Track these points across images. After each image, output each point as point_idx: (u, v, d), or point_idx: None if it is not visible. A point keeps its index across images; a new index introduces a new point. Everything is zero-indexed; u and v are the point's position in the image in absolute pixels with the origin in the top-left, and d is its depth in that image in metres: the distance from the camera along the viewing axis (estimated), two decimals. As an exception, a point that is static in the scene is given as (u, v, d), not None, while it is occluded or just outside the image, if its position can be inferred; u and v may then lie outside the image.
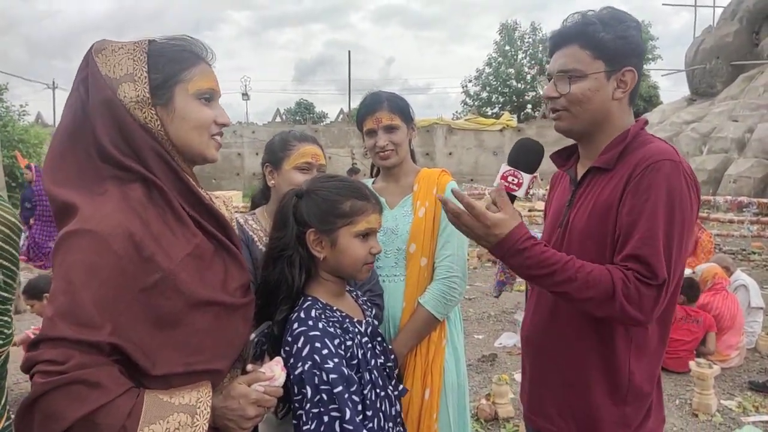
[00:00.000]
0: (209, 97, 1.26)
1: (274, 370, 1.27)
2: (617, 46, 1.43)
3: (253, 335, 1.29)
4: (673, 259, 1.34)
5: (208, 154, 1.28)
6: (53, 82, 32.62)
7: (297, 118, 36.35)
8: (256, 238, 1.91)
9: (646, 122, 1.56)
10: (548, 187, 1.88)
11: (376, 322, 1.63)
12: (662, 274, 1.32)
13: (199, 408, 1.12)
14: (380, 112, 2.02)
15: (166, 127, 1.21)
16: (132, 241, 1.07)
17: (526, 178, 1.50)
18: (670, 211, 1.34)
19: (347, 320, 1.47)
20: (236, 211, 1.88)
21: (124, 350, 1.06)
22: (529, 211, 13.73)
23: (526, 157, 1.52)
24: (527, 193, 1.54)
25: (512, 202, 1.54)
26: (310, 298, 1.46)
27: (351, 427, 1.29)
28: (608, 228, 1.42)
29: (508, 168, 1.51)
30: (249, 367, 1.28)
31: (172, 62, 1.21)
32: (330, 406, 1.30)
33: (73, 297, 1.02)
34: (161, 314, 1.11)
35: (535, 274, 1.39)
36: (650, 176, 1.35)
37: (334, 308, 1.47)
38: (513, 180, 1.50)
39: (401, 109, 2.06)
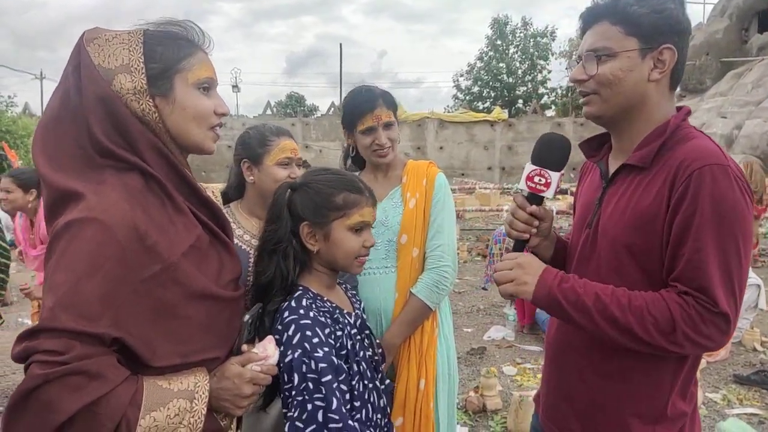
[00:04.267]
0: (208, 86, 1.24)
1: (268, 348, 1.28)
2: (652, 20, 1.27)
3: (246, 316, 1.29)
4: (735, 281, 1.20)
5: (205, 146, 1.26)
6: (41, 73, 32.31)
7: (288, 110, 36.27)
8: None
9: (689, 112, 1.37)
10: (578, 176, 1.72)
11: (364, 315, 1.64)
12: (722, 305, 1.18)
13: (197, 393, 1.13)
14: (379, 108, 2.00)
15: (164, 118, 1.19)
16: (136, 231, 1.06)
17: (554, 176, 1.38)
18: (720, 226, 1.18)
19: (338, 311, 1.47)
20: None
21: (126, 342, 1.05)
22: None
23: (552, 154, 1.40)
24: (556, 192, 1.42)
25: (540, 203, 1.43)
26: (301, 287, 1.46)
27: (337, 417, 1.29)
28: (653, 242, 1.26)
29: (534, 168, 1.39)
30: (244, 347, 1.28)
31: (170, 51, 1.18)
32: (315, 395, 1.30)
33: (76, 288, 0.99)
34: (159, 305, 1.10)
35: (582, 303, 1.26)
36: (695, 186, 1.19)
37: (325, 299, 1.48)
38: (540, 180, 1.38)
39: (394, 105, 2.06)
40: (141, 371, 1.09)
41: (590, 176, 1.57)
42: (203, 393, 1.14)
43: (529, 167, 1.40)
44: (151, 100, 1.16)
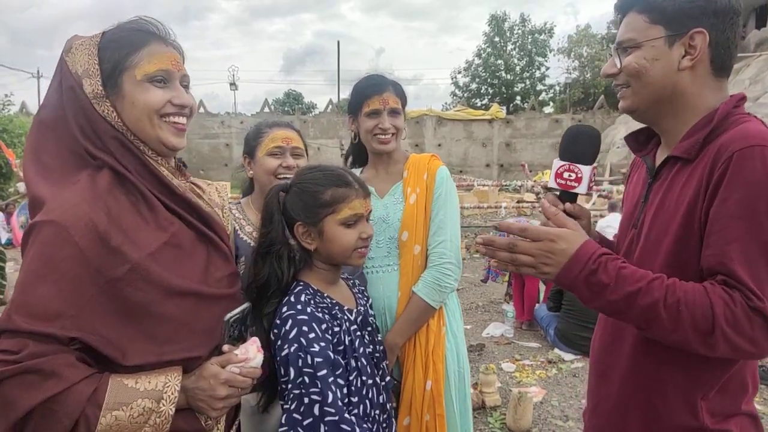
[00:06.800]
0: (162, 78, 1.21)
1: (249, 351, 1.26)
2: (678, 5, 1.21)
3: (227, 315, 1.27)
4: None
5: (163, 139, 1.21)
6: (38, 71, 32.17)
7: (286, 108, 36.26)
8: (237, 227, 1.92)
9: (743, 98, 1.27)
10: (627, 174, 1.62)
11: (370, 311, 1.62)
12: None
13: (165, 393, 1.12)
14: (387, 93, 1.97)
15: (123, 118, 1.19)
16: (96, 231, 1.06)
17: (585, 171, 1.29)
18: (764, 212, 1.07)
19: (336, 307, 1.48)
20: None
21: (87, 342, 1.06)
22: (518, 202, 13.78)
23: (580, 146, 1.31)
24: (590, 187, 1.31)
25: (573, 200, 1.34)
26: (301, 283, 1.47)
27: (333, 410, 1.30)
28: (695, 235, 1.16)
29: (562, 163, 1.31)
30: (225, 347, 1.27)
31: (117, 50, 1.18)
32: (311, 389, 1.31)
33: (31, 290, 1.03)
34: (132, 305, 1.10)
35: (612, 298, 1.12)
36: (735, 167, 1.09)
37: (325, 295, 1.48)
38: (570, 176, 1.30)
39: (403, 95, 2.03)
40: (114, 369, 1.10)
41: (638, 173, 1.48)
42: (172, 393, 1.13)
43: (557, 163, 1.32)
44: (107, 102, 1.18)
